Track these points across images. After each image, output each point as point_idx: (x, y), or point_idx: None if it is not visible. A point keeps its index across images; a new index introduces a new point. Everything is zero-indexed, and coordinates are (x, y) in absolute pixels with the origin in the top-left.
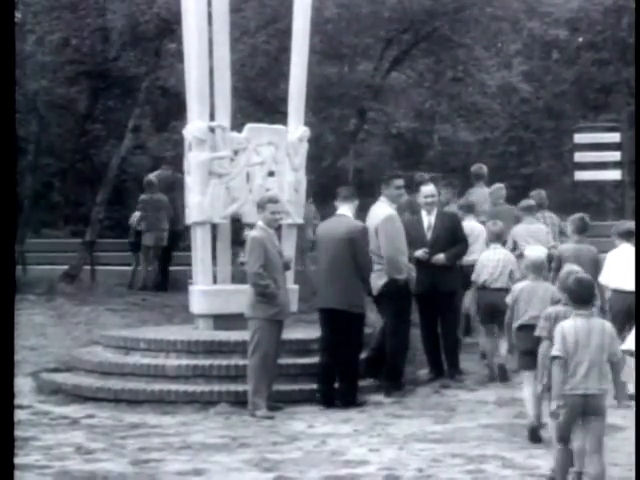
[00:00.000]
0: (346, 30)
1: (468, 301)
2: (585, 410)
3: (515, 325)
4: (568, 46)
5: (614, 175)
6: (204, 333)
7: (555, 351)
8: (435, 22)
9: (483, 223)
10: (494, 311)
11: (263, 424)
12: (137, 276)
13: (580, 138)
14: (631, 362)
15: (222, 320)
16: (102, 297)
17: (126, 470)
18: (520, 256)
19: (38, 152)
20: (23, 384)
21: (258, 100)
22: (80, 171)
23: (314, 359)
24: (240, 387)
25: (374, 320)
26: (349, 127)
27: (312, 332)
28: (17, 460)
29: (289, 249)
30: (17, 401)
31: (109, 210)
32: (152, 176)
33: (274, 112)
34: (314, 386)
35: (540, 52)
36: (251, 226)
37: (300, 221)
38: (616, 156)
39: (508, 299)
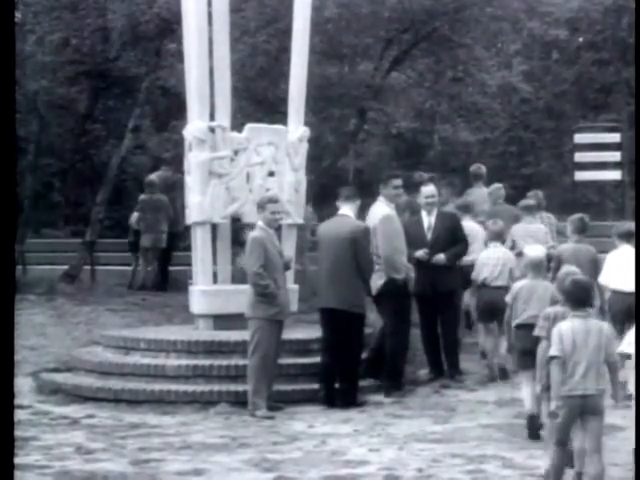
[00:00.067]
0: (346, 30)
1: (467, 297)
2: (583, 410)
3: (514, 324)
4: (568, 46)
5: (614, 175)
6: (204, 333)
7: (553, 351)
8: (435, 22)
9: (482, 223)
10: (494, 309)
11: (263, 424)
12: (137, 276)
13: (580, 138)
14: (629, 363)
15: (222, 320)
16: (102, 297)
17: (126, 470)
18: (519, 255)
19: (38, 152)
20: (23, 384)
21: (258, 100)
22: (80, 171)
23: (314, 359)
24: (240, 387)
25: (374, 320)
26: (349, 127)
27: (312, 332)
28: (17, 460)
29: (289, 249)
30: (17, 401)
31: (109, 210)
32: (154, 176)
33: (274, 112)
34: (314, 386)
35: (540, 52)
36: (251, 227)
37: (300, 221)
38: (616, 156)
39: (507, 298)
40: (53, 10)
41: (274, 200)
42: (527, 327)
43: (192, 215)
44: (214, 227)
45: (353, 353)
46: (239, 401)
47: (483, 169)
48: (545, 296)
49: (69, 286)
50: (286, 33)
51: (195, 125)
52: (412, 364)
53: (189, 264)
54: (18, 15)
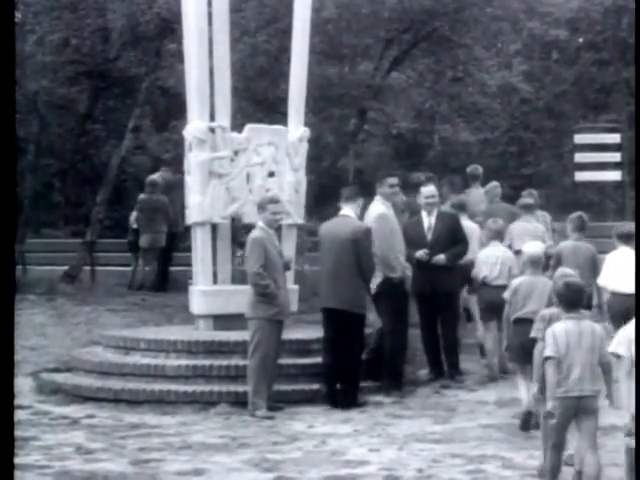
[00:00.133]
0: (346, 30)
1: (464, 293)
2: (578, 411)
3: (513, 318)
4: (568, 46)
5: (614, 176)
6: (204, 333)
7: (548, 352)
8: (435, 22)
9: (480, 223)
10: (495, 308)
11: (263, 424)
12: (136, 276)
13: (580, 139)
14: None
15: (222, 320)
16: (102, 297)
17: (126, 470)
18: (517, 253)
19: (38, 152)
20: (23, 384)
21: (258, 100)
22: (80, 171)
23: (314, 359)
24: (240, 387)
25: (373, 320)
26: (349, 127)
27: (312, 332)
28: (17, 460)
29: (289, 249)
30: (17, 401)
31: (109, 210)
32: (157, 176)
33: (274, 112)
34: (314, 386)
35: (540, 52)
36: (250, 228)
37: (300, 221)
38: (616, 157)
39: (506, 294)
40: (53, 10)
41: (275, 200)
42: (526, 322)
43: (192, 215)
44: (214, 227)
45: (354, 353)
46: (239, 401)
47: (480, 170)
48: (544, 291)
49: (69, 286)
50: (286, 33)
51: (195, 125)
52: (412, 364)
53: (189, 264)
54: (18, 15)
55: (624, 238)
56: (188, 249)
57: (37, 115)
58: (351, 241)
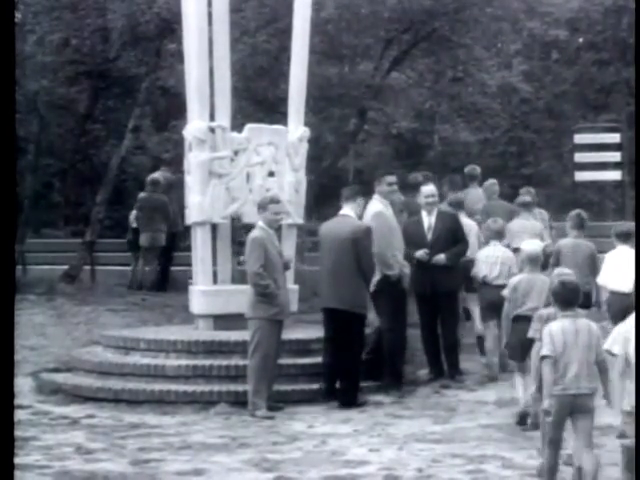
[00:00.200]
0: (346, 30)
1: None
2: (574, 409)
3: (512, 315)
4: (568, 46)
5: (614, 175)
6: (204, 333)
7: (545, 351)
8: (435, 22)
9: (478, 221)
10: (496, 307)
11: (263, 424)
12: (136, 275)
13: (580, 138)
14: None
15: (222, 320)
16: (102, 297)
17: (126, 470)
18: (515, 251)
19: (38, 152)
20: (23, 384)
21: (258, 100)
22: (80, 171)
23: (314, 359)
24: (240, 387)
25: (372, 319)
26: (349, 127)
27: (312, 332)
28: (17, 460)
29: (289, 249)
30: (17, 401)
31: (109, 210)
32: (159, 176)
33: (274, 112)
34: (314, 386)
35: (540, 52)
36: (250, 227)
37: (300, 221)
38: (616, 156)
39: (505, 292)
40: (53, 10)
41: (276, 201)
42: (525, 319)
43: (192, 215)
44: (214, 227)
45: (354, 353)
46: (239, 401)
47: (478, 170)
48: (544, 289)
49: (69, 286)
50: (286, 33)
51: (195, 125)
52: (412, 364)
53: (189, 264)
54: (18, 15)
55: (623, 237)
56: (188, 249)
57: (37, 115)
58: (351, 241)
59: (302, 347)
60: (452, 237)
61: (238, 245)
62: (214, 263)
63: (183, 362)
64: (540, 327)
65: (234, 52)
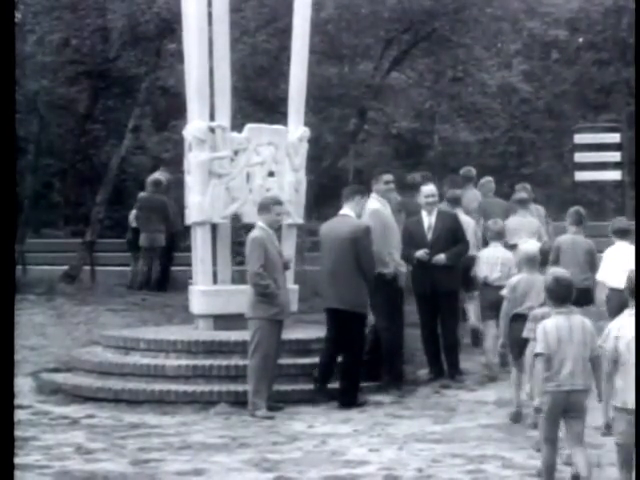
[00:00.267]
0: (346, 30)
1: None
2: (567, 407)
3: (510, 314)
4: (568, 46)
5: (614, 175)
6: (204, 333)
7: (537, 349)
8: (435, 22)
9: (475, 220)
10: (497, 307)
11: (263, 424)
12: (136, 275)
13: (580, 138)
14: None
15: (222, 320)
16: (102, 297)
17: (126, 470)
18: (513, 247)
19: (38, 152)
20: (23, 384)
21: (258, 100)
22: (80, 171)
23: (314, 359)
24: (240, 387)
25: (370, 319)
26: (349, 127)
27: (312, 332)
28: (17, 460)
29: (289, 249)
30: (17, 401)
31: (109, 210)
32: (161, 176)
33: (274, 112)
34: (317, 387)
35: (540, 52)
36: (250, 227)
37: (300, 221)
38: (616, 156)
39: (504, 291)
40: (53, 10)
41: (279, 202)
42: (524, 318)
43: (192, 215)
44: (214, 227)
45: (355, 353)
46: (239, 401)
47: (473, 171)
48: (542, 289)
49: (69, 286)
50: (286, 32)
51: (195, 125)
52: (412, 364)
53: (189, 264)
54: (18, 15)
55: (620, 233)
56: (188, 249)
57: (37, 115)
58: (350, 240)
59: (302, 347)
60: (452, 237)
61: (238, 245)
62: (214, 263)
63: (183, 362)
64: (534, 327)
65: (234, 52)
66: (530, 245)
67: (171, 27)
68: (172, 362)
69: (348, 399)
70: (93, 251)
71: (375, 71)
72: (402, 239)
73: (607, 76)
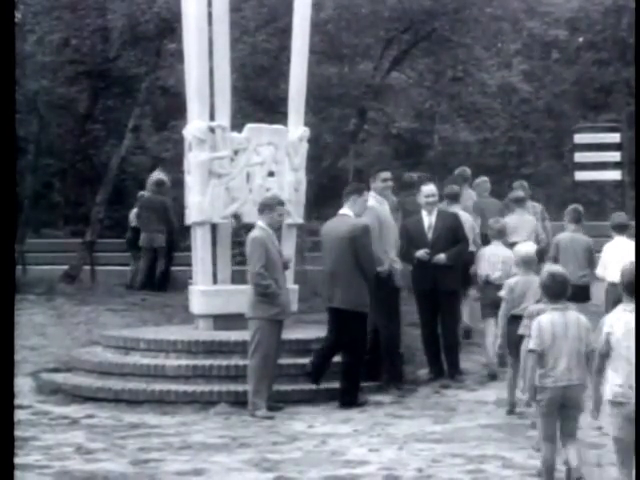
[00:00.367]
0: (346, 30)
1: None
2: (564, 402)
3: (508, 315)
4: (568, 46)
5: (614, 175)
6: (204, 333)
7: (531, 345)
8: (435, 22)
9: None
10: (498, 306)
11: (263, 424)
12: (136, 275)
13: (580, 138)
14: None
15: (222, 320)
16: (102, 297)
17: (126, 470)
18: (511, 246)
19: (38, 152)
20: (23, 384)
21: (258, 100)
22: (80, 171)
23: None
24: (240, 387)
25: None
26: (349, 127)
27: (312, 332)
28: (17, 460)
29: (289, 249)
30: (17, 401)
31: (109, 210)
32: (162, 176)
33: (274, 112)
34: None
35: (540, 52)
36: (250, 227)
37: (300, 221)
38: (616, 156)
39: (503, 292)
40: (53, 10)
41: (282, 202)
42: (520, 319)
43: (192, 215)
44: (214, 227)
45: (356, 352)
46: (239, 401)
47: (468, 172)
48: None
49: (69, 286)
50: (285, 32)
51: (195, 125)
52: (412, 364)
53: (189, 264)
54: (18, 15)
55: (619, 228)
56: (188, 249)
57: (37, 115)
58: (348, 239)
59: (302, 347)
60: (452, 236)
61: (238, 245)
62: (214, 263)
63: (183, 362)
64: (530, 323)
65: (234, 52)
66: (526, 247)
67: (171, 27)
68: (172, 362)
69: (348, 399)
70: (93, 251)
71: (375, 71)
72: (400, 238)
73: (607, 76)
